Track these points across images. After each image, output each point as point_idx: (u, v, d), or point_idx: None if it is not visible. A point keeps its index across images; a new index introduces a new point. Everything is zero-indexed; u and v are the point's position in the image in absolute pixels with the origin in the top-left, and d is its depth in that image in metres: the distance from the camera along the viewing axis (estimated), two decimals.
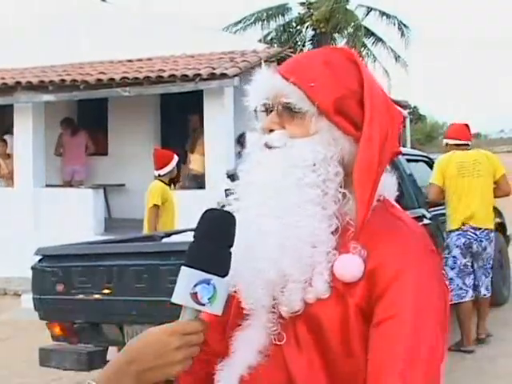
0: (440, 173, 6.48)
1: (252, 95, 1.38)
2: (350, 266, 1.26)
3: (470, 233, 6.36)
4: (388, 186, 1.40)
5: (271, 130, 1.34)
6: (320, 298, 1.26)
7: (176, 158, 7.42)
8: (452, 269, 6.36)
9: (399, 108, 1.46)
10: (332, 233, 1.28)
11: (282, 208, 1.27)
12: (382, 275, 1.24)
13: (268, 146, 1.33)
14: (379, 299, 1.23)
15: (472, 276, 6.45)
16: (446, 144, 6.73)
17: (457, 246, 6.36)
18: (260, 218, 1.27)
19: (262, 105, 1.37)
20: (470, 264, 6.44)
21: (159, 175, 7.30)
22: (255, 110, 1.39)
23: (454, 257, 6.38)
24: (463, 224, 6.36)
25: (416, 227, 1.36)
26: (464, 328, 6.36)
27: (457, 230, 6.38)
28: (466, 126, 6.79)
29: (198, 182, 10.78)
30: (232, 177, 1.40)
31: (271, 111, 1.35)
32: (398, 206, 1.42)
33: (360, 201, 1.27)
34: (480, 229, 6.38)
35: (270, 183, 1.29)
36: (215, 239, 1.19)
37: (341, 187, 1.29)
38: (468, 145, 6.66)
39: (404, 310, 1.22)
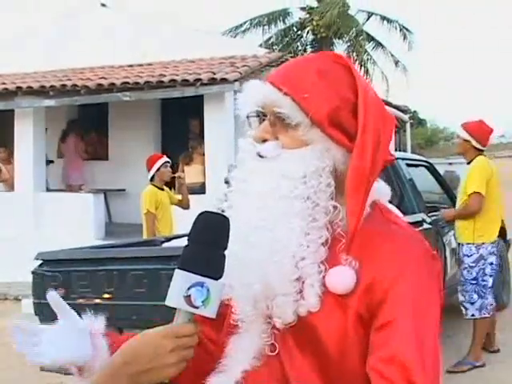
0: (484, 181, 5.76)
1: (244, 103, 1.36)
2: (342, 279, 1.25)
3: (500, 245, 6.11)
4: (381, 191, 1.39)
5: (264, 140, 1.32)
6: (311, 311, 1.25)
7: (162, 160, 7.23)
8: (490, 276, 5.93)
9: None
10: (322, 244, 1.26)
11: (271, 220, 1.25)
12: (380, 281, 1.23)
13: (261, 156, 1.31)
14: (380, 305, 1.22)
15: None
16: (481, 145, 5.85)
17: (493, 254, 5.90)
18: (250, 229, 1.26)
19: (255, 112, 1.35)
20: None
21: (150, 180, 7.26)
22: (248, 117, 1.37)
23: (490, 263, 5.89)
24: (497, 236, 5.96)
25: (412, 231, 1.35)
26: (480, 342, 6.00)
27: (492, 243, 5.87)
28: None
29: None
30: (229, 183, 1.40)
31: (263, 119, 1.33)
32: (393, 210, 1.42)
33: (351, 212, 1.25)
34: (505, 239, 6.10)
35: (262, 194, 1.27)
36: (209, 242, 1.19)
37: (332, 198, 1.28)
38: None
39: (404, 313, 1.21)
